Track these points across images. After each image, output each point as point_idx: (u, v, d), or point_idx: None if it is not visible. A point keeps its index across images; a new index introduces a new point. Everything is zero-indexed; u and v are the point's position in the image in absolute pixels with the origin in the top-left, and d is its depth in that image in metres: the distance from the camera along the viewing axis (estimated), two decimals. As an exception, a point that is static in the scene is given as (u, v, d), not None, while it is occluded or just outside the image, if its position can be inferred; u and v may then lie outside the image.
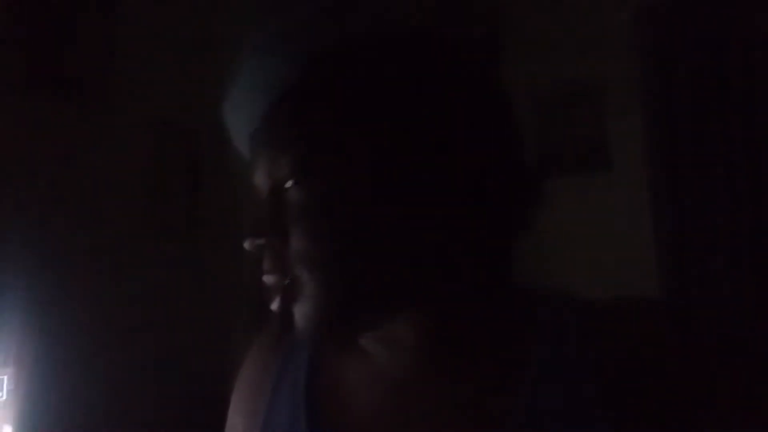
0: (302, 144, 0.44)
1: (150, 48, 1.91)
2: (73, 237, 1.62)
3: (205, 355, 1.91)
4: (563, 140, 2.24)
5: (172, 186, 1.99)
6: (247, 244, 0.46)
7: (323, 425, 0.49)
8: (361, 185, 0.43)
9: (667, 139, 2.02)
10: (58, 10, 1.64)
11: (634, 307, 0.46)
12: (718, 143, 1.93)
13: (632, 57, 2.08)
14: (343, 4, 0.45)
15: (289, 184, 0.45)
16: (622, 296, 0.47)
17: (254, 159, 0.48)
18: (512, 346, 0.45)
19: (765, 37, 1.86)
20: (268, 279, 0.46)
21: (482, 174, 0.44)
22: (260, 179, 0.48)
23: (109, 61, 1.77)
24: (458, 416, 0.44)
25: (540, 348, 0.44)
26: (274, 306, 0.46)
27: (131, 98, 1.83)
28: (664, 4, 2.02)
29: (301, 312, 0.45)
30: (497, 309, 0.47)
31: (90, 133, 1.71)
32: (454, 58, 0.46)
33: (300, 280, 0.44)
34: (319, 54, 0.44)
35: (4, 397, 1.32)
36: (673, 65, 2.01)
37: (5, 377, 1.34)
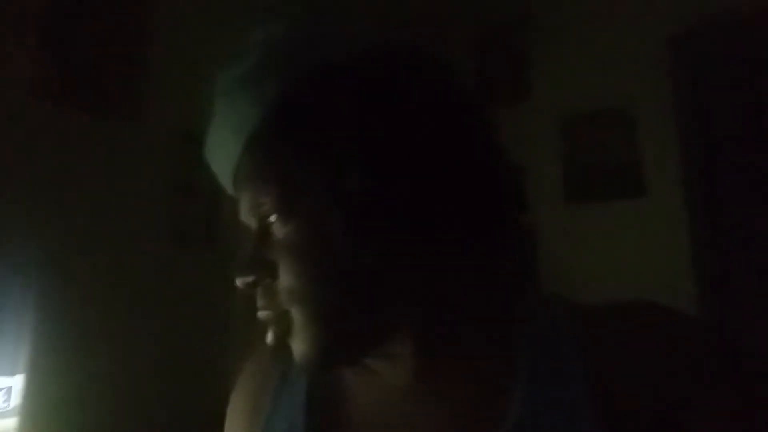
0: (278, 181, 0.44)
1: (176, 61, 1.92)
2: (92, 245, 1.63)
3: (218, 367, 1.90)
4: (597, 167, 2.19)
5: (192, 199, 2.00)
6: (238, 282, 0.46)
7: None
8: (344, 218, 0.42)
9: (702, 164, 1.97)
10: (90, 24, 1.67)
11: (632, 310, 0.45)
12: (754, 166, 1.87)
13: (666, 82, 2.03)
14: (305, 42, 0.45)
15: (272, 219, 0.45)
16: (620, 300, 0.46)
17: (239, 197, 0.48)
18: (506, 353, 0.45)
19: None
20: (261, 315, 0.46)
21: (466, 186, 0.44)
22: (246, 216, 0.48)
23: (136, 74, 1.79)
24: (456, 424, 0.44)
25: (533, 352, 0.44)
26: (269, 341, 0.46)
27: (156, 110, 1.84)
28: (697, 29, 1.98)
29: (295, 348, 0.45)
30: (492, 317, 0.47)
31: (114, 143, 1.73)
32: (427, 88, 0.45)
33: (291, 315, 0.44)
34: (290, 91, 0.44)
35: (11, 406, 1.31)
36: (707, 90, 1.97)
37: (12, 386, 1.33)
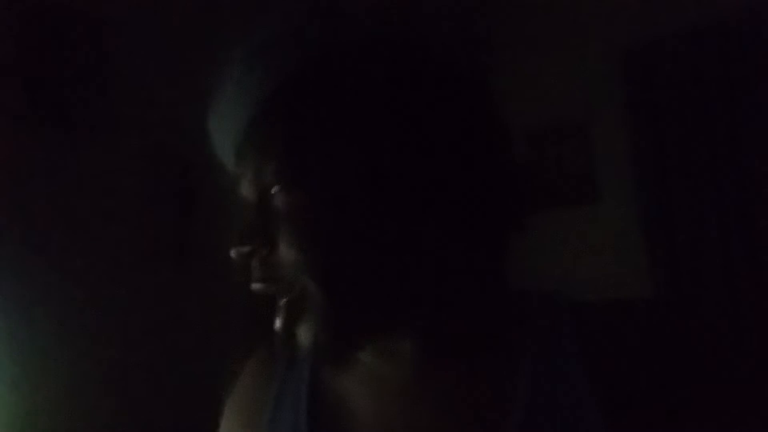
0: (287, 149, 0.43)
1: (142, 74, 1.91)
2: (65, 260, 1.61)
3: (197, 377, 1.90)
4: (553, 176, 2.29)
5: (163, 211, 1.97)
6: (233, 253, 0.45)
7: None
8: (348, 192, 0.42)
9: (653, 172, 2.08)
10: (52, 39, 1.66)
11: (628, 307, 0.46)
12: (704, 175, 1.98)
13: (620, 95, 2.15)
14: (325, 14, 0.45)
15: (274, 190, 0.44)
16: (616, 297, 0.48)
17: (241, 167, 0.47)
18: (508, 350, 0.45)
19: (749, 73, 1.92)
20: (255, 287, 0.45)
21: (473, 177, 0.43)
22: (247, 188, 0.47)
23: (102, 87, 1.78)
24: (459, 423, 0.44)
25: (534, 349, 0.44)
26: (278, 326, 0.45)
27: (124, 123, 1.82)
28: (650, 44, 2.09)
29: (310, 324, 0.44)
30: (492, 314, 0.47)
31: (83, 158, 1.71)
32: (440, 66, 0.45)
33: (289, 288, 0.44)
34: (303, 62, 0.44)
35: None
36: (659, 103, 2.08)
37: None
